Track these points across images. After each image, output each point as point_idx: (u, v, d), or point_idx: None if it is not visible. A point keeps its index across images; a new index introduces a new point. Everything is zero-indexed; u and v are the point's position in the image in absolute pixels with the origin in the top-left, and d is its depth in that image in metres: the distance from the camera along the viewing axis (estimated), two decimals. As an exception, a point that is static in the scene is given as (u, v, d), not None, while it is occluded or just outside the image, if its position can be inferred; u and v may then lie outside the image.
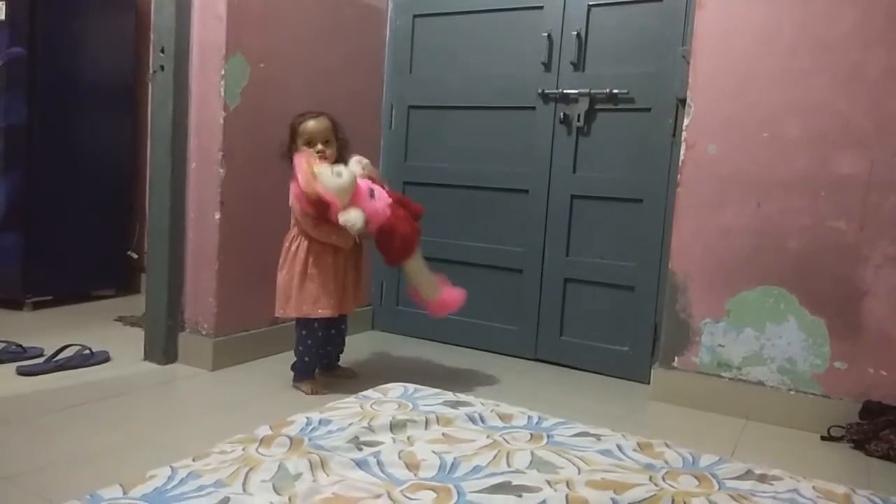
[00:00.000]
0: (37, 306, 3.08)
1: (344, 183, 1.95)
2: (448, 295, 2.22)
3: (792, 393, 2.13)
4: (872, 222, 2.02)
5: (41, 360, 2.28)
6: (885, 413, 1.95)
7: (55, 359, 2.26)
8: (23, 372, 2.17)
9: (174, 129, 2.32)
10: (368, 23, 2.91)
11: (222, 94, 2.28)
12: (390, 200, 2.11)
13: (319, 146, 2.12)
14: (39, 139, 3.04)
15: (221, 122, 2.29)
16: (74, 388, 2.09)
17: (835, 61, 2.04)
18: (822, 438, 2.02)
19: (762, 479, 1.35)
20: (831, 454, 1.93)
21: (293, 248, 2.12)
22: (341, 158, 2.15)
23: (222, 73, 2.28)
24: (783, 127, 2.11)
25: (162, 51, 2.32)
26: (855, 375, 2.06)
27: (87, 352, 2.33)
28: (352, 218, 1.96)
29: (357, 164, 2.11)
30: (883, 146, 2.00)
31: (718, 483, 1.32)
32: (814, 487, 1.31)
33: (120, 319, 2.95)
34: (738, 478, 1.35)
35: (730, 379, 2.22)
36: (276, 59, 2.45)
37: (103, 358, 2.36)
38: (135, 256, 3.48)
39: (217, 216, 2.33)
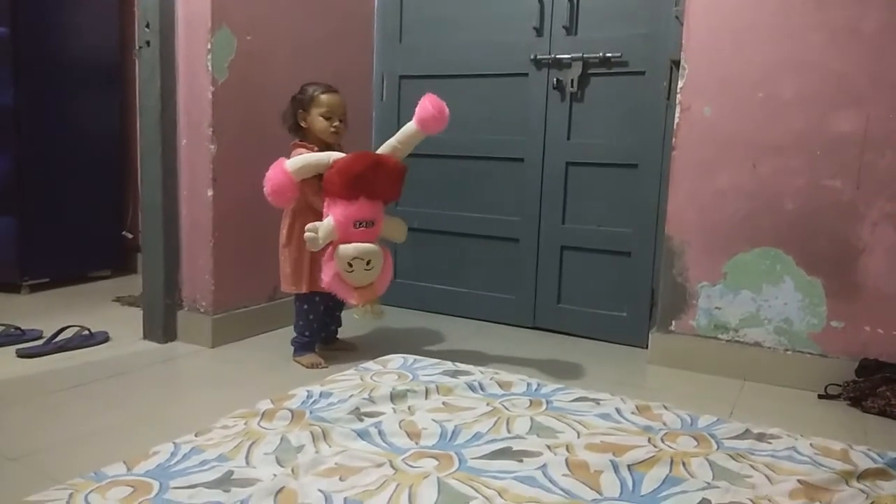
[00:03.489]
0: (34, 289, 3.07)
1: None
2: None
3: (789, 353, 2.15)
4: (869, 180, 2.01)
5: (41, 342, 2.29)
6: (881, 370, 1.96)
7: (55, 340, 2.26)
8: (23, 354, 2.18)
9: (163, 105, 2.30)
10: (356, -8, 2.86)
11: (210, 68, 2.25)
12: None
13: (337, 122, 2.10)
14: (27, 120, 3.01)
15: (210, 96, 2.26)
16: (75, 368, 2.10)
17: (830, 17, 2.01)
18: (820, 397, 2.04)
19: (760, 437, 1.37)
20: (828, 412, 1.95)
21: (297, 224, 2.09)
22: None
23: (209, 46, 2.24)
24: (778, 86, 2.09)
25: (147, 26, 2.28)
26: (852, 334, 2.07)
27: (87, 332, 2.33)
28: (318, 229, 1.91)
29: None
30: (879, 103, 1.98)
31: (717, 443, 1.33)
32: (811, 445, 1.33)
33: (118, 300, 2.94)
34: (736, 437, 1.37)
35: (727, 341, 2.23)
36: (263, 30, 2.41)
37: (103, 338, 2.36)
38: (130, 236, 3.46)
39: (210, 192, 2.31)
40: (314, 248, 1.92)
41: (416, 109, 1.96)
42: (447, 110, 1.98)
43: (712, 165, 2.19)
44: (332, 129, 2.10)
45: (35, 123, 3.04)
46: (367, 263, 1.93)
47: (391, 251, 2.07)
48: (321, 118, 2.09)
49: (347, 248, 1.90)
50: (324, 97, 2.10)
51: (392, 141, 2.00)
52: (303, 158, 1.96)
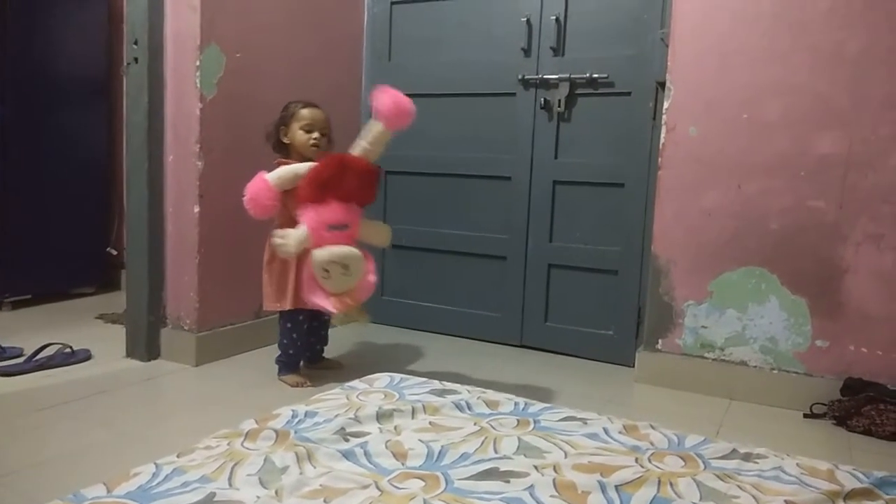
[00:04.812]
0: (15, 306, 3.03)
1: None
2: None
3: (775, 372, 2.16)
4: (852, 201, 2.04)
5: (21, 360, 2.25)
6: (865, 389, 1.97)
7: (35, 358, 2.23)
8: (3, 372, 2.14)
9: (150, 121, 2.29)
10: (345, 10, 2.88)
11: (198, 85, 2.25)
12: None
13: (317, 134, 2.09)
14: (13, 135, 2.98)
15: (198, 113, 2.26)
16: (56, 387, 2.06)
17: (814, 40, 2.05)
18: (805, 416, 2.05)
19: (747, 457, 1.37)
20: (814, 431, 1.96)
21: None
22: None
23: (197, 63, 2.24)
24: (763, 108, 2.12)
25: (135, 43, 2.28)
26: (836, 353, 2.08)
27: (68, 350, 2.30)
28: (289, 235, 1.90)
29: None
30: (861, 124, 2.01)
31: (704, 463, 1.33)
32: (798, 465, 1.33)
33: (101, 317, 2.91)
34: (723, 457, 1.37)
35: (713, 360, 2.24)
36: (252, 48, 2.42)
37: (85, 356, 2.33)
38: (114, 253, 3.43)
39: (196, 209, 2.30)
40: (287, 255, 1.90)
41: (374, 105, 1.92)
42: (405, 100, 1.92)
43: (698, 185, 2.21)
44: (312, 142, 2.09)
45: (20, 139, 3.02)
46: (345, 268, 1.88)
47: (376, 258, 2.04)
48: (301, 131, 2.09)
49: (322, 253, 1.87)
50: (304, 111, 2.10)
51: (362, 142, 1.97)
52: (281, 168, 1.98)
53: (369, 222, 2.02)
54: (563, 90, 2.55)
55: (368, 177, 1.98)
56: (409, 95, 2.86)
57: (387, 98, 1.91)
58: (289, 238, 1.89)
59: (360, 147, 1.97)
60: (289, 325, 2.16)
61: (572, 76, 2.53)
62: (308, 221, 1.89)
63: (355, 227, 1.96)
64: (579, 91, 2.55)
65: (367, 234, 2.01)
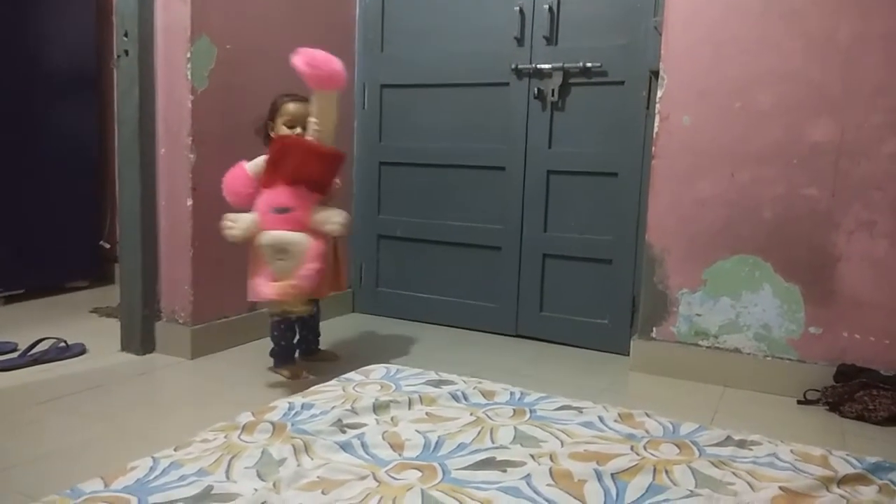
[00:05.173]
0: (9, 300, 3.02)
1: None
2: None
3: (768, 359, 2.17)
4: (844, 188, 2.04)
5: (15, 354, 2.24)
6: (858, 375, 1.99)
7: (30, 353, 2.22)
8: (-3, 367, 2.14)
9: (141, 114, 2.27)
10: (337, 1, 2.85)
11: (189, 77, 2.23)
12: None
13: (299, 129, 2.08)
14: (2, 128, 2.96)
15: (189, 105, 2.25)
16: (51, 381, 2.06)
17: (806, 28, 2.05)
18: (799, 402, 2.06)
19: (741, 444, 1.38)
20: (808, 417, 1.97)
21: None
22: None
23: (188, 55, 2.23)
24: (755, 96, 2.12)
25: (125, 35, 2.26)
26: (829, 340, 2.09)
27: (63, 345, 2.29)
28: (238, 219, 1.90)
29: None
30: (853, 112, 2.02)
31: (699, 450, 1.34)
32: (792, 451, 1.34)
33: (95, 311, 2.90)
34: (717, 444, 1.38)
35: (707, 347, 2.25)
36: (243, 40, 2.40)
37: (79, 350, 2.32)
38: (107, 246, 3.42)
39: (189, 202, 2.29)
40: (233, 240, 1.91)
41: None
42: (318, 55, 1.85)
43: (692, 174, 2.22)
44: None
45: (10, 133, 2.99)
46: (283, 253, 1.86)
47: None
48: (284, 127, 2.08)
49: (263, 236, 1.88)
50: (288, 106, 2.07)
51: (311, 121, 1.94)
52: (260, 157, 1.99)
53: (323, 209, 1.93)
54: (557, 79, 2.55)
55: (316, 155, 1.93)
56: (402, 86, 2.89)
57: (299, 61, 1.84)
58: (239, 222, 1.90)
59: (311, 127, 1.95)
60: (276, 317, 2.16)
61: (566, 65, 2.52)
62: (257, 205, 1.92)
63: (304, 212, 1.90)
64: (573, 80, 2.55)
65: (319, 220, 1.92)
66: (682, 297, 2.27)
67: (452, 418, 1.48)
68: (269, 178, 1.92)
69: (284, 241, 1.87)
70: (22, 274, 3.08)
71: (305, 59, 1.84)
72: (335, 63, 1.88)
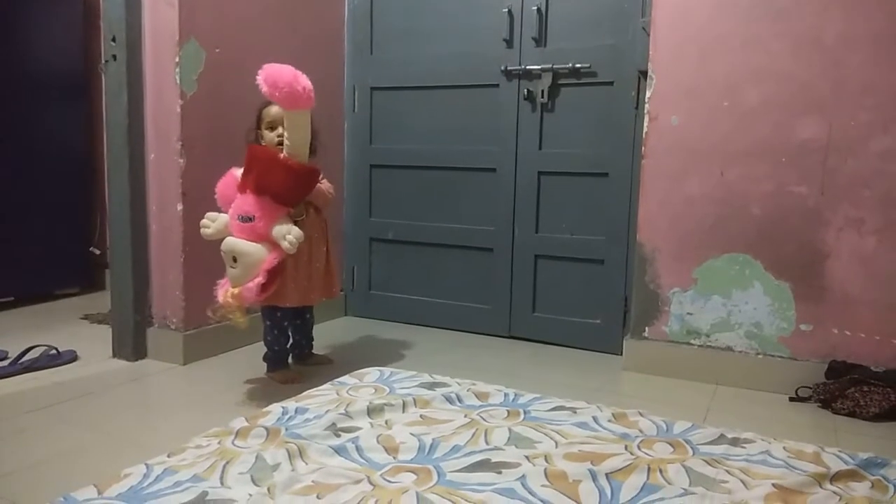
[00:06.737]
0: (-2, 308, 3.00)
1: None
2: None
3: (760, 356, 2.18)
4: (832, 186, 2.06)
5: (6, 362, 2.22)
6: (849, 372, 2.00)
7: (21, 360, 2.20)
8: (-13, 376, 2.12)
9: (130, 119, 2.26)
10: (326, 3, 2.85)
11: (178, 81, 2.23)
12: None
13: (280, 130, 2.07)
14: (-11, 135, 2.95)
15: (179, 110, 2.24)
16: (43, 389, 2.04)
17: (792, 27, 2.06)
18: (791, 399, 2.07)
19: (734, 442, 1.39)
20: (800, 414, 1.99)
21: None
22: (311, 148, 2.11)
23: (177, 60, 2.22)
24: (743, 95, 2.14)
25: (113, 40, 2.25)
26: (820, 337, 2.11)
27: (54, 352, 2.28)
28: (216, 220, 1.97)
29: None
30: (840, 110, 2.03)
31: (692, 449, 1.35)
32: (784, 448, 1.35)
33: (86, 317, 2.88)
34: (711, 442, 1.38)
35: (699, 346, 2.26)
36: (232, 43, 2.39)
37: (71, 357, 2.31)
38: (97, 252, 3.40)
39: (180, 207, 2.28)
40: (206, 237, 1.97)
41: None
42: (277, 71, 1.79)
43: (681, 173, 2.23)
44: (278, 139, 2.04)
45: (-2, 139, 2.98)
46: (233, 261, 1.89)
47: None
48: (266, 130, 2.07)
49: (224, 241, 1.93)
50: (269, 109, 2.05)
51: (285, 134, 1.93)
52: None
53: (282, 224, 1.89)
54: (546, 80, 2.55)
55: (286, 173, 1.91)
56: (392, 89, 2.89)
57: (262, 79, 1.79)
58: (215, 222, 1.96)
59: (284, 142, 1.94)
60: (268, 322, 2.15)
61: (555, 66, 2.53)
62: (230, 210, 1.96)
63: (267, 223, 1.88)
64: (562, 81, 2.56)
65: (277, 234, 1.87)
66: (673, 297, 2.28)
67: (447, 420, 1.48)
68: (242, 183, 1.95)
69: (236, 250, 1.89)
70: (11, 281, 3.06)
71: (268, 78, 1.78)
72: (300, 83, 1.81)
